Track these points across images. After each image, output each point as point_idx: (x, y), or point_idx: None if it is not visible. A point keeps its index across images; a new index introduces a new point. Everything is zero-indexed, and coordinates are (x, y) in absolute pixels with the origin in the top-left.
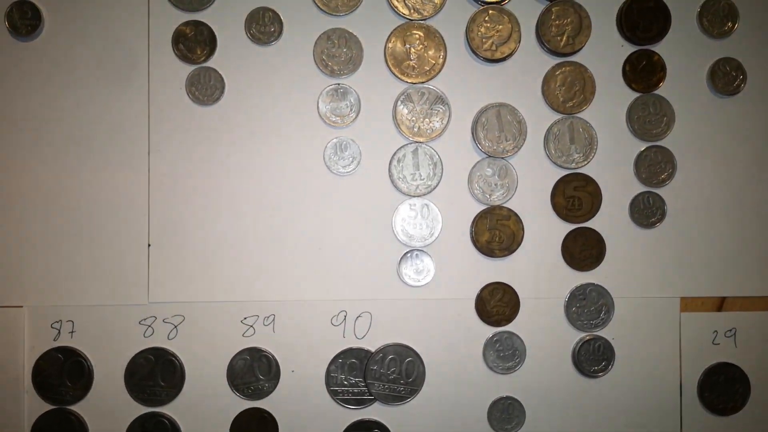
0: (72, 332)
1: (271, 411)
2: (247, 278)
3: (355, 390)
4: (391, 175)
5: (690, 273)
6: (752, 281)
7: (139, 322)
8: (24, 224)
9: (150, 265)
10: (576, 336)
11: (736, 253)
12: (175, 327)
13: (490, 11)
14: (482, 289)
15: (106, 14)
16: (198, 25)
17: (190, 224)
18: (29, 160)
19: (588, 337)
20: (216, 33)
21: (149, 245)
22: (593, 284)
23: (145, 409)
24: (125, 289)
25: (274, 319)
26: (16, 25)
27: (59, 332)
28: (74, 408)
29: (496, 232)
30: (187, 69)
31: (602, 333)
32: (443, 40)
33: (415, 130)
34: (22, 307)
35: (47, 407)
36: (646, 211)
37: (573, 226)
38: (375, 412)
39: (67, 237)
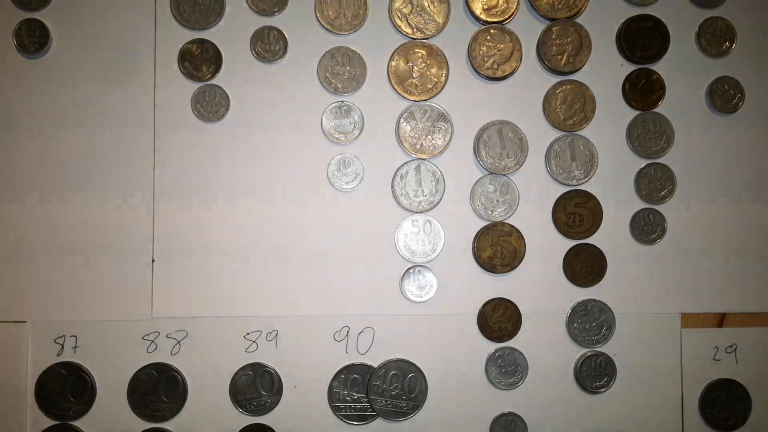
0: (75, 347)
1: (273, 427)
2: (250, 293)
3: (358, 406)
4: (393, 191)
5: (690, 289)
6: (753, 297)
7: (143, 338)
8: (28, 239)
9: (154, 280)
10: (578, 352)
11: (736, 269)
12: (178, 342)
13: (492, 30)
14: (484, 305)
15: (112, 32)
16: (204, 43)
17: (194, 239)
18: (34, 175)
19: (589, 353)
20: (221, 51)
21: (153, 260)
22: (594, 300)
23: (147, 425)
24: (129, 304)
25: (276, 335)
26: (24, 42)
27: (62, 347)
28: (77, 423)
29: (498, 247)
30: (193, 86)
31: (604, 349)
32: (445, 59)
33: (418, 146)
34: (25, 322)
35: (50, 423)
36: (647, 228)
37: (574, 242)
38: (377, 428)
39: (71, 252)
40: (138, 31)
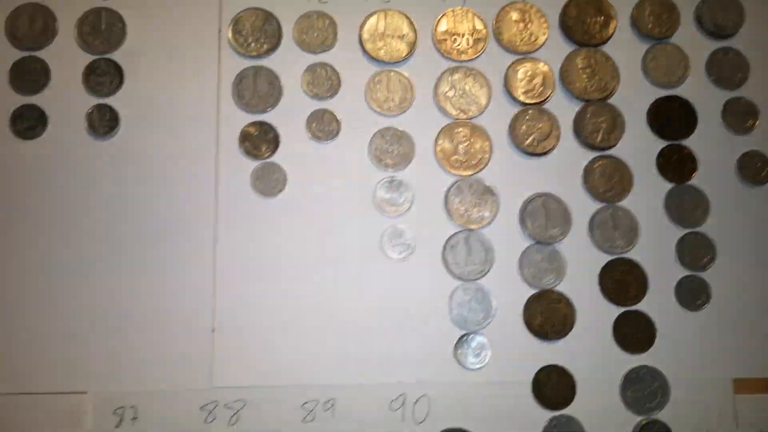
0: (134, 419)
1: None
2: (308, 362)
3: None
4: (445, 261)
5: (741, 354)
6: None
7: (201, 408)
8: (89, 310)
9: (215, 349)
10: (633, 420)
11: None
12: (236, 412)
13: (530, 111)
14: (538, 372)
15: (177, 115)
16: (262, 125)
17: (254, 309)
18: (99, 250)
19: (644, 421)
20: (279, 132)
21: (213, 330)
22: (646, 367)
23: None
24: (189, 373)
25: (333, 404)
26: (95, 125)
27: (122, 419)
28: None
29: (548, 315)
30: (252, 164)
31: (659, 416)
32: (489, 136)
33: (467, 218)
34: (86, 393)
35: None
36: (692, 294)
37: (622, 309)
38: None
39: (132, 322)
40: (201, 116)
